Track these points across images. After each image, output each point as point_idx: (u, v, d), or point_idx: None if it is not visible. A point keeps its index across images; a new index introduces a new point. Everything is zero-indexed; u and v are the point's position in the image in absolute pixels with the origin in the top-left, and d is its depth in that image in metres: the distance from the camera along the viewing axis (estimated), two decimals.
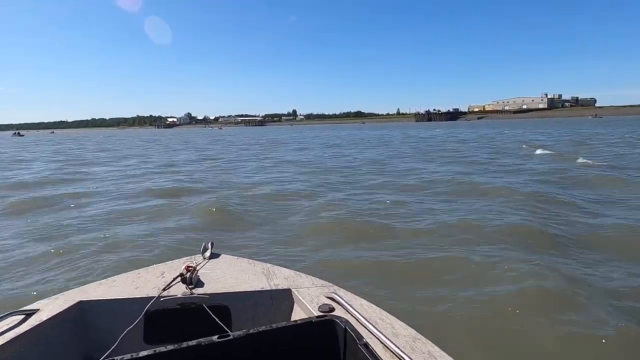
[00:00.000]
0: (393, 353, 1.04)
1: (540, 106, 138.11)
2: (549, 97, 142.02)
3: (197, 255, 2.01)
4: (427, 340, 1.14)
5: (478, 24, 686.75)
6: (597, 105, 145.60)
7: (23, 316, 1.37)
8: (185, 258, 1.99)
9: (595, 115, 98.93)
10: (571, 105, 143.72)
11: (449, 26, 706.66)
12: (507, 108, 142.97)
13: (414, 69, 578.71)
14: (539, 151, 14.63)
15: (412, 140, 26.92)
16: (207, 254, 2.00)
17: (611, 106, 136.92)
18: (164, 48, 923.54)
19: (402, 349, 1.04)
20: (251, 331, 1.08)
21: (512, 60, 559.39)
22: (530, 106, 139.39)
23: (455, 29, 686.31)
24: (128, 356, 0.94)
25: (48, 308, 1.44)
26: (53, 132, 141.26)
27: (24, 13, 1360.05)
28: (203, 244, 2.09)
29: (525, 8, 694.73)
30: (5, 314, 1.36)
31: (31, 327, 1.31)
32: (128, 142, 38.42)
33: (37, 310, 1.42)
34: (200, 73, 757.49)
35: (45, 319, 1.36)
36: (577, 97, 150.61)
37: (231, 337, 1.05)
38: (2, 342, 1.21)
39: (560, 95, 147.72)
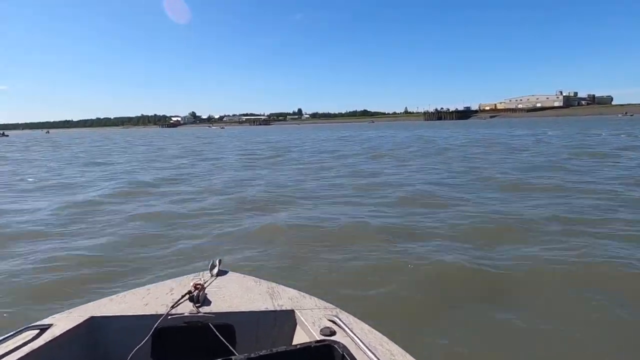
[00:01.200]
0: None
1: (556, 104, 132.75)
2: (564, 94, 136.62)
3: (206, 272, 2.07)
4: None
5: (485, 20, 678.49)
6: (613, 103, 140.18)
7: (37, 331, 1.43)
8: (193, 275, 2.05)
9: (626, 113, 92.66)
10: (587, 104, 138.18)
11: (456, 23, 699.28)
12: (520, 106, 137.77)
13: (421, 66, 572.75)
14: None
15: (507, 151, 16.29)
16: (215, 271, 2.04)
17: (629, 104, 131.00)
18: (170, 48, 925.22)
19: None
20: (252, 355, 1.10)
21: (521, 57, 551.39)
22: (544, 104, 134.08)
23: (461, 26, 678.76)
24: None
25: (61, 323, 1.49)
26: (48, 132, 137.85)
27: (28, 13, 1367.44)
28: (211, 261, 2.13)
29: (531, 4, 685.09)
30: (21, 328, 1.42)
31: (45, 342, 1.36)
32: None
33: (51, 325, 1.47)
34: (205, 72, 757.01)
35: (58, 334, 1.41)
36: (594, 95, 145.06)
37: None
38: (18, 357, 1.26)
39: (576, 93, 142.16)
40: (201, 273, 2.07)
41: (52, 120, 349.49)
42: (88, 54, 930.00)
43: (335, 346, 1.16)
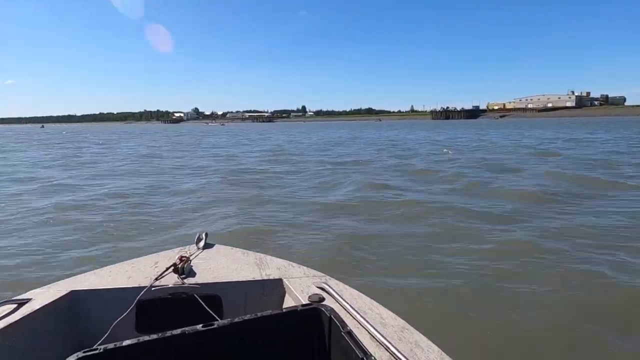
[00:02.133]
0: (379, 342, 1.04)
1: (568, 104, 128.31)
2: (576, 94, 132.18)
3: (192, 246, 2.04)
4: (415, 330, 1.15)
5: (491, 19, 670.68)
6: (626, 104, 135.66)
7: (15, 305, 1.36)
8: (179, 248, 2.01)
9: None
10: (600, 104, 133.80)
11: (462, 22, 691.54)
12: (530, 106, 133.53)
13: (427, 65, 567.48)
14: None
15: None
16: (201, 244, 2.02)
17: None
18: (174, 45, 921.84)
19: (389, 339, 1.04)
20: (236, 320, 1.07)
21: (528, 57, 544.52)
22: (556, 104, 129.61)
23: (468, 25, 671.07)
24: (111, 345, 0.95)
25: (40, 297, 1.43)
26: (43, 127, 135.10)
27: (30, 9, 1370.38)
28: (197, 234, 2.11)
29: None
30: None
31: (22, 316, 1.30)
32: None
33: (30, 299, 1.41)
34: (209, 68, 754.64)
35: (37, 308, 1.35)
36: (607, 95, 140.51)
37: (215, 326, 1.05)
38: None
39: (588, 93, 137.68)
40: (187, 247, 2.02)
41: (55, 114, 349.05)
42: (92, 50, 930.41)
43: (323, 309, 1.14)
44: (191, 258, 1.77)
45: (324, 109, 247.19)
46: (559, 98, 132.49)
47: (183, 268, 1.62)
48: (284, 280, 1.58)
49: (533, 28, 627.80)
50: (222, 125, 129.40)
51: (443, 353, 1.01)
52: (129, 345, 0.95)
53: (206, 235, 2.10)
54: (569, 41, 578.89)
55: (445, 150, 16.95)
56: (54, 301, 1.41)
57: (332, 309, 1.13)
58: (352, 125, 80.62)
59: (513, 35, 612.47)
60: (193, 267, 1.69)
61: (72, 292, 1.49)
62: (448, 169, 10.83)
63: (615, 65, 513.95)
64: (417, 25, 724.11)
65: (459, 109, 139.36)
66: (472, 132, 35.56)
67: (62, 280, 1.62)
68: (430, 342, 1.06)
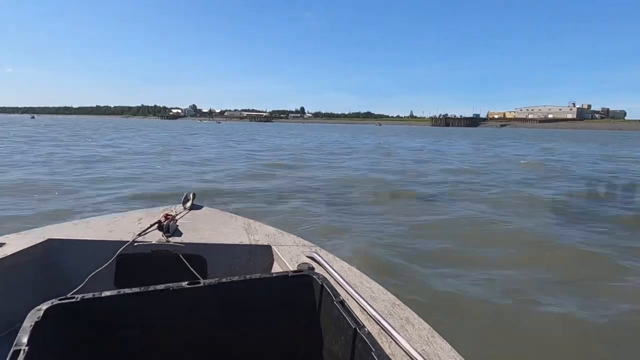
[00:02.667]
0: (370, 315, 1.02)
1: (569, 116, 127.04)
2: (577, 107, 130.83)
3: (178, 205, 1.98)
4: (406, 307, 1.13)
5: (493, 27, 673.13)
6: (626, 118, 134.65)
7: None
8: (165, 207, 1.96)
9: None
10: (601, 117, 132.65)
11: (464, 25, 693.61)
12: (531, 116, 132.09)
13: (428, 70, 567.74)
14: None
15: None
16: (188, 204, 1.97)
17: None
18: (176, 41, 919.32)
19: (380, 313, 1.02)
20: (224, 280, 1.03)
21: (531, 67, 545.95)
22: (556, 115, 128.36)
23: (471, 32, 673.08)
24: (89, 295, 0.89)
25: (14, 243, 1.38)
26: (34, 117, 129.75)
27: None
28: (185, 194, 2.04)
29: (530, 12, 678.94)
30: None
31: None
32: None
33: (3, 244, 1.36)
34: (210, 67, 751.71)
35: (9, 253, 1.30)
36: (608, 109, 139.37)
37: (202, 284, 1.00)
38: None
39: (589, 106, 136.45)
40: (173, 206, 1.96)
41: (51, 105, 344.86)
42: (92, 44, 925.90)
43: (314, 277, 1.09)
44: (177, 217, 1.70)
45: (323, 111, 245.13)
46: (560, 109, 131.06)
47: (168, 226, 1.57)
48: (273, 247, 1.54)
49: (533, 39, 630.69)
50: (218, 123, 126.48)
51: (434, 331, 0.99)
52: (108, 297, 0.90)
53: (194, 195, 2.00)
54: (568, 53, 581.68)
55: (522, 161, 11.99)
56: (27, 248, 1.34)
57: (324, 277, 1.10)
58: (351, 129, 77.65)
59: (513, 44, 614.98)
60: (179, 227, 1.64)
61: (49, 240, 1.43)
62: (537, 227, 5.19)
63: (615, 80, 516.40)
64: (418, 28, 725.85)
65: (459, 117, 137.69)
66: (486, 142, 31.82)
67: (38, 228, 1.55)
68: (421, 319, 1.04)
